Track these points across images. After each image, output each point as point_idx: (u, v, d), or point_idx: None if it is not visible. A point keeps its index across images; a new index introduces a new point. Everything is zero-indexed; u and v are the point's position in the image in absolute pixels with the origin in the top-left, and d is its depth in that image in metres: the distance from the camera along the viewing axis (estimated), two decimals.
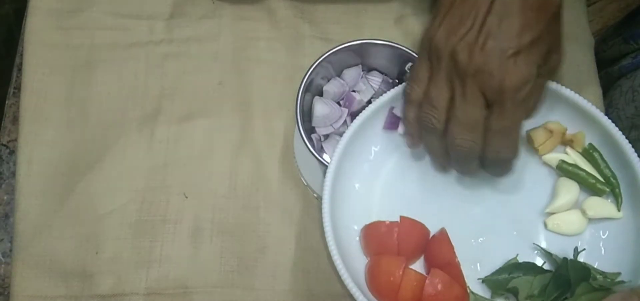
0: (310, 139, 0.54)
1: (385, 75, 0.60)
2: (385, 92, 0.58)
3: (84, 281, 0.57)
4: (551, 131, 0.52)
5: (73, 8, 0.67)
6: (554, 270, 0.50)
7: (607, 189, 0.51)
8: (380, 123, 0.54)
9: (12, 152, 0.63)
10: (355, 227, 0.52)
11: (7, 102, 0.65)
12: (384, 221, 0.51)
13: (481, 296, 0.49)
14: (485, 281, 0.50)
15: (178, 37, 0.67)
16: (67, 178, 0.61)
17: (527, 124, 0.53)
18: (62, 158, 0.62)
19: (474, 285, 0.50)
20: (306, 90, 0.56)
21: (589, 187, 0.52)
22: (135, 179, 0.61)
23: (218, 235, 0.59)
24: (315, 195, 0.60)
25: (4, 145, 0.64)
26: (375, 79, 0.58)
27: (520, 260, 0.50)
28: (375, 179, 0.54)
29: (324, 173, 0.52)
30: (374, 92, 0.58)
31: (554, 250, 0.51)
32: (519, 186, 0.53)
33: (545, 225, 0.52)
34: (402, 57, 0.57)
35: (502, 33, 0.41)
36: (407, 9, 0.69)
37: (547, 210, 0.52)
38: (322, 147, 0.58)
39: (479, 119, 0.44)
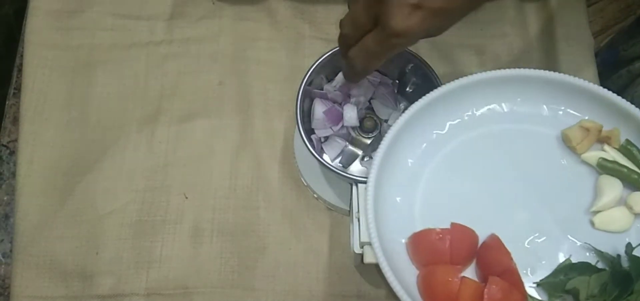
0: (310, 140, 0.54)
1: (385, 75, 0.59)
2: (385, 93, 0.58)
3: (84, 282, 0.57)
4: (587, 129, 0.52)
5: (73, 8, 0.67)
6: (608, 268, 0.49)
7: None
8: (413, 134, 0.53)
9: (12, 152, 0.63)
10: (402, 240, 0.51)
11: (7, 102, 0.65)
12: (434, 229, 0.50)
13: (538, 300, 0.49)
14: (541, 284, 0.49)
15: (178, 37, 0.67)
16: (67, 178, 0.61)
17: (562, 125, 0.53)
18: (62, 158, 0.62)
19: (528, 291, 0.49)
20: (306, 91, 0.56)
21: (632, 182, 0.51)
22: (135, 180, 0.61)
23: (218, 235, 0.59)
24: (315, 196, 0.60)
25: (4, 145, 0.64)
26: (375, 79, 0.58)
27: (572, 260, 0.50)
28: (415, 189, 0.53)
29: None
30: (374, 92, 0.58)
31: (603, 248, 0.50)
32: (562, 187, 0.52)
33: (592, 224, 0.51)
34: (402, 57, 0.57)
35: None
36: None
37: (593, 209, 0.51)
38: (322, 148, 0.58)
39: (360, 23, 0.45)
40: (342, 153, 0.58)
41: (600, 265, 0.49)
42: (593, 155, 0.52)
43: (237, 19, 0.68)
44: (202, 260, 0.58)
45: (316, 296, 0.57)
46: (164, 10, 0.68)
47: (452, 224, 0.50)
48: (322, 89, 0.58)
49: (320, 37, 0.67)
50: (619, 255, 0.49)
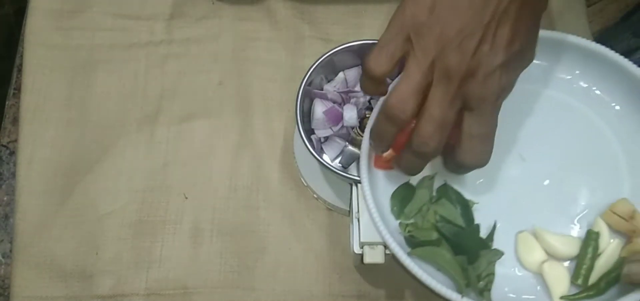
0: (310, 140, 0.54)
1: None
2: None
3: (84, 282, 0.57)
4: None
5: (73, 8, 0.67)
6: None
7: None
8: None
9: (12, 153, 0.63)
10: None
11: (7, 102, 0.65)
12: None
13: None
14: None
15: (178, 37, 0.67)
16: (67, 178, 0.61)
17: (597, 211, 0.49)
18: (62, 158, 0.62)
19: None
20: (306, 91, 0.56)
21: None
22: (135, 180, 0.61)
23: (218, 235, 0.59)
24: (315, 196, 0.60)
25: (4, 146, 0.64)
26: None
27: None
28: None
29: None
30: None
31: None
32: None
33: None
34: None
35: (496, 40, 0.40)
36: None
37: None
38: (321, 148, 0.58)
39: (451, 122, 0.41)
40: (341, 153, 0.58)
41: None
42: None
43: (237, 19, 0.68)
44: (202, 260, 0.58)
45: (316, 296, 0.58)
46: (163, 10, 0.68)
47: None
48: (322, 89, 0.58)
49: (320, 37, 0.67)
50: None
